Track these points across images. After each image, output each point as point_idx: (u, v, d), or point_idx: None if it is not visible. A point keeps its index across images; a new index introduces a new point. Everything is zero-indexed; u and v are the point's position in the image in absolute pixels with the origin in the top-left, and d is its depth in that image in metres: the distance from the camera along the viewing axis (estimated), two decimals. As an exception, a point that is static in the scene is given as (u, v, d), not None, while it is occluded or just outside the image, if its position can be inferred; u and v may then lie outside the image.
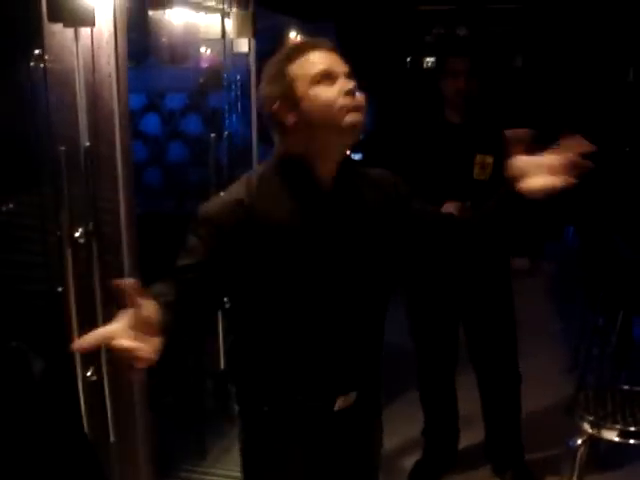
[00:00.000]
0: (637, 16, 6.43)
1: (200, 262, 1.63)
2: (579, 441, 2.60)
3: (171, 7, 2.95)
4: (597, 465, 3.05)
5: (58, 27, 2.22)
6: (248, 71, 2.98)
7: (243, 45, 3.17)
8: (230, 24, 2.88)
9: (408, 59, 7.39)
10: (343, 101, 1.63)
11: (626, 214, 5.07)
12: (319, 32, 6.58)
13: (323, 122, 1.63)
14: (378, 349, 1.86)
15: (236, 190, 1.70)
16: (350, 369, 1.79)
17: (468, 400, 3.36)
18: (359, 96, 1.65)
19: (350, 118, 1.64)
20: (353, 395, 1.79)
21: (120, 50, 2.26)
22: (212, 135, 2.87)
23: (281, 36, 5.10)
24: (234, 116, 3.11)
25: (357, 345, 1.78)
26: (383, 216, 1.77)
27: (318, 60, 1.64)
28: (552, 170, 1.60)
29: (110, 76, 2.37)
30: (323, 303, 1.71)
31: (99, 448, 2.38)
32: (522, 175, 1.62)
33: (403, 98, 6.69)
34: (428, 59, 7.35)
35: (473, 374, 3.28)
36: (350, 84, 1.64)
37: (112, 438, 2.46)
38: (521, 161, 1.64)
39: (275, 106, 1.65)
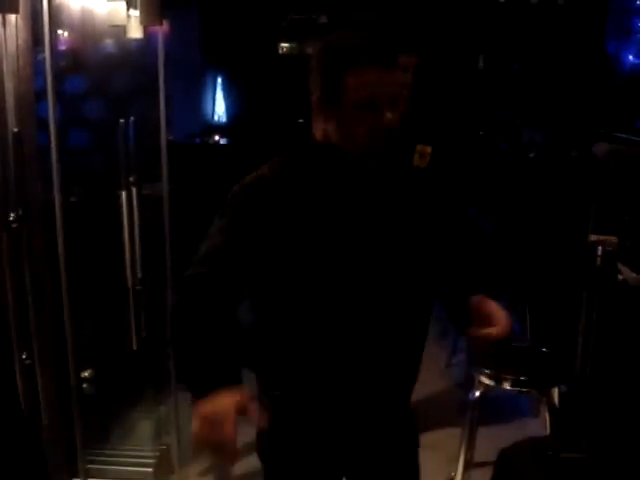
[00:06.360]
0: (485, 4, 6.92)
1: (223, 246, 1.61)
2: (477, 393, 2.89)
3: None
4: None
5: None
6: (151, 56, 3.01)
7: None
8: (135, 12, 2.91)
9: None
10: (371, 137, 1.62)
11: (481, 190, 5.47)
12: (182, 18, 6.59)
13: (344, 133, 1.64)
14: (409, 353, 1.79)
15: (262, 169, 1.69)
16: (371, 368, 1.70)
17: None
18: (390, 117, 1.61)
19: (370, 140, 1.63)
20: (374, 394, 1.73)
21: (50, 37, 2.27)
22: (121, 121, 2.91)
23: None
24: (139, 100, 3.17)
25: (383, 347, 1.70)
26: (420, 211, 1.75)
27: (372, 80, 1.59)
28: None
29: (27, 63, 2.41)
30: (348, 294, 1.64)
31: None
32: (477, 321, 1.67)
33: (271, 84, 6.87)
34: (283, 44, 7.50)
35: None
36: (386, 118, 1.60)
37: (44, 421, 2.49)
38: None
39: (317, 93, 1.65)
